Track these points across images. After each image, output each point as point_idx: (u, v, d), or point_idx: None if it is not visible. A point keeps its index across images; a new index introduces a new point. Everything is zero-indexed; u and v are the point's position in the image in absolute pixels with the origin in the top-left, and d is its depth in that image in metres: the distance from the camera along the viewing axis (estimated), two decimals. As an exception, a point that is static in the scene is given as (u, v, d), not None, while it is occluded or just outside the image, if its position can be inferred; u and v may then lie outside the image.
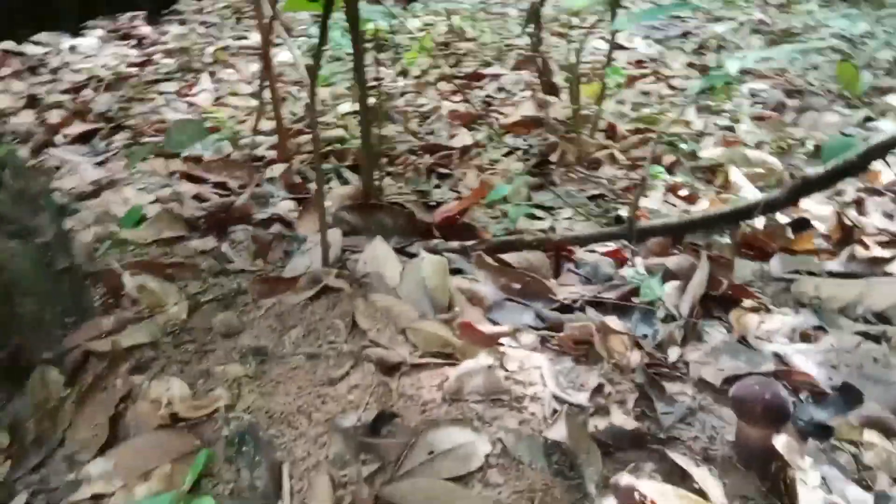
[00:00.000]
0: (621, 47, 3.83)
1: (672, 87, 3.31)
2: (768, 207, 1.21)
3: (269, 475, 0.93)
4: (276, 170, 2.15)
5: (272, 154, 2.30)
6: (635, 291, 1.35)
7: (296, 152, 2.31)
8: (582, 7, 3.73)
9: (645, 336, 1.24)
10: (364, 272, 1.41)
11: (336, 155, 2.29)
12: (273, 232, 1.66)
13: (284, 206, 1.83)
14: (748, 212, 1.24)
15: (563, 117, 2.67)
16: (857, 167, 1.11)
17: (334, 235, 1.54)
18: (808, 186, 1.17)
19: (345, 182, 2.09)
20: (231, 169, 2.15)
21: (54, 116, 2.67)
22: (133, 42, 3.83)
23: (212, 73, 3.42)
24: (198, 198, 1.92)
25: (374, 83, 2.25)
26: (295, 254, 1.55)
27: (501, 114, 2.86)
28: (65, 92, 3.00)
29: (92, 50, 3.64)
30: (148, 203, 1.81)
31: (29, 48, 3.57)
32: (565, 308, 1.33)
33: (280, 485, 0.92)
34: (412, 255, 1.51)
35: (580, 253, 1.58)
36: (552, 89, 2.75)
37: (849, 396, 1.06)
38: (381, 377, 1.10)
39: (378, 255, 1.48)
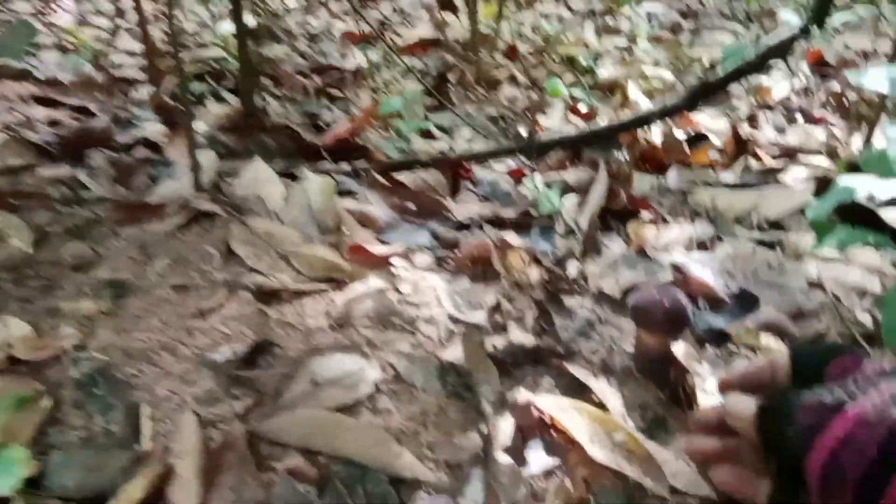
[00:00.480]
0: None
1: (571, 10, 3.24)
2: (668, 112, 1.16)
3: (125, 419, 0.81)
4: (144, 91, 1.94)
5: (140, 75, 2.07)
6: (534, 209, 1.29)
7: (167, 72, 2.09)
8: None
9: (544, 252, 1.19)
10: (242, 196, 1.28)
11: (214, 75, 2.08)
12: (138, 157, 1.48)
13: (152, 129, 1.64)
14: (647, 118, 1.19)
15: (462, 38, 2.55)
16: (755, 67, 1.07)
17: (208, 157, 1.38)
18: (707, 89, 1.13)
19: (220, 102, 1.90)
20: (92, 91, 1.91)
21: None
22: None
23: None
24: (53, 123, 1.68)
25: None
26: (163, 179, 1.38)
27: (398, 34, 2.70)
28: None
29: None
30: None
31: None
32: (462, 227, 1.26)
33: (139, 429, 0.81)
34: (294, 178, 1.38)
35: (479, 172, 1.50)
36: (449, 5, 2.61)
37: (745, 302, 1.06)
38: (258, 306, 0.99)
39: (258, 177, 1.34)
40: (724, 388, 0.60)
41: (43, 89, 1.90)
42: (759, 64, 1.06)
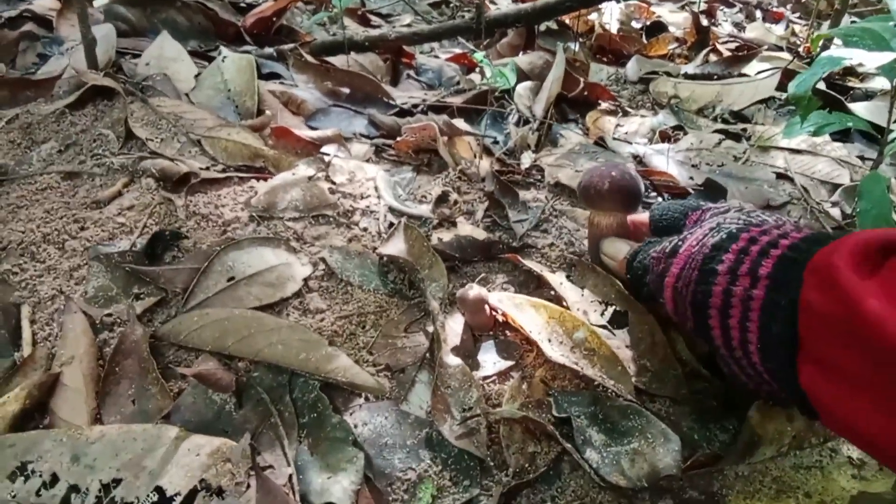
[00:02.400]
0: None
1: None
2: (634, -19, 1.04)
3: (2, 321, 0.67)
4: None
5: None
6: (483, 96, 1.16)
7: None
8: None
9: (495, 141, 1.07)
10: (145, 75, 1.10)
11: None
12: (24, 30, 1.26)
13: (40, 2, 1.40)
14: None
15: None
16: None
17: (104, 31, 1.18)
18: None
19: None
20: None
21: None
22: None
23: None
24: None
25: None
26: (53, 57, 1.18)
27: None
28: None
29: None
30: None
31: None
32: (405, 114, 1.12)
33: (19, 332, 0.67)
34: (209, 59, 1.20)
35: (421, 59, 1.35)
36: None
37: (712, 193, 0.97)
38: (164, 194, 0.85)
39: (164, 54, 1.16)
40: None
41: None
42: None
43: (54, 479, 0.55)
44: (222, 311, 0.69)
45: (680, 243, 0.60)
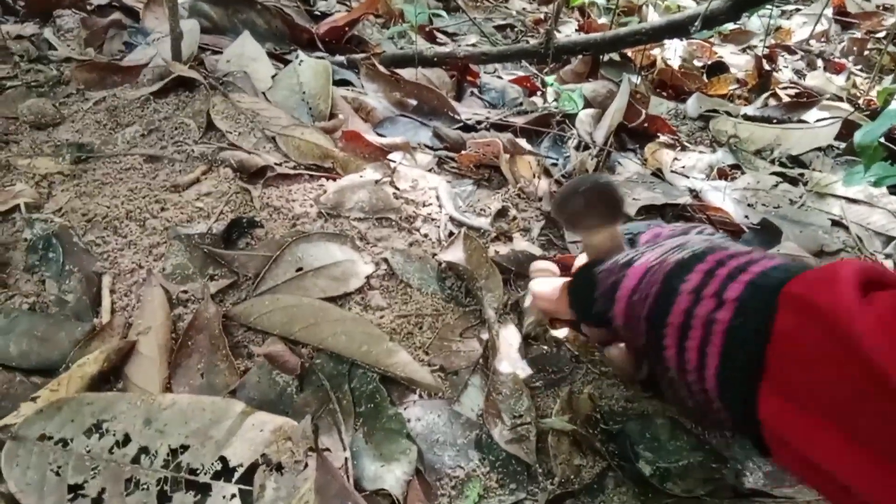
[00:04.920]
0: None
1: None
2: (708, 20, 1.06)
3: (83, 289, 0.71)
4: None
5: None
6: (545, 118, 1.19)
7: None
8: None
9: (555, 163, 1.10)
10: (226, 71, 1.15)
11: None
12: (113, 19, 1.33)
13: (128, -6, 1.47)
14: (686, 25, 1.09)
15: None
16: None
17: (190, 27, 1.24)
18: (755, -2, 1.03)
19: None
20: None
21: None
22: None
23: None
24: (15, -23, 1.51)
25: None
26: (139, 46, 1.24)
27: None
28: None
29: None
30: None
31: None
32: (468, 129, 1.15)
33: (98, 300, 0.71)
34: (285, 62, 1.25)
35: (485, 78, 1.39)
36: None
37: (767, 234, 0.98)
38: (240, 184, 0.89)
39: (245, 53, 1.21)
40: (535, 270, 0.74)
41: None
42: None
43: (126, 439, 0.59)
44: (291, 299, 0.72)
45: (636, 257, 0.56)
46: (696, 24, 1.03)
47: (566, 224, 0.73)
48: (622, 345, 0.65)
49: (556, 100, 1.13)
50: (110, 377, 0.65)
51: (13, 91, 1.01)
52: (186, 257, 0.76)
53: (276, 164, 0.94)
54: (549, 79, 0.92)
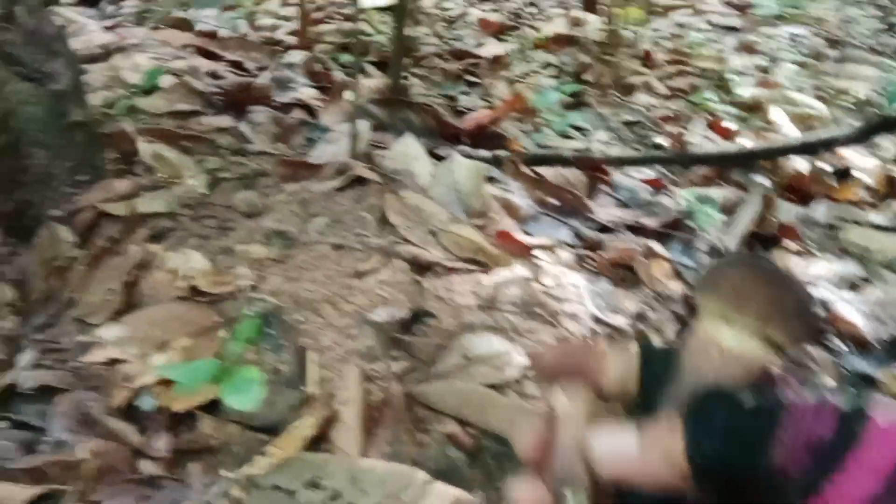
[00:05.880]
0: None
1: (710, 23, 3.16)
2: (839, 143, 1.13)
3: (294, 360, 0.87)
4: (296, 55, 2.02)
5: (290, 39, 2.17)
6: (677, 222, 1.28)
7: (316, 40, 2.18)
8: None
9: (687, 267, 1.19)
10: (392, 168, 1.33)
11: (358, 48, 2.15)
12: (296, 117, 1.56)
13: (306, 92, 1.72)
14: (816, 147, 1.16)
15: (596, 38, 2.54)
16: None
17: (362, 127, 1.44)
18: (888, 124, 1.09)
19: (367, 75, 1.96)
20: (248, 49, 2.01)
21: (57, -28, 2.47)
22: None
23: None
24: (213, 74, 1.79)
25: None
26: (319, 142, 1.45)
27: (532, 27, 2.71)
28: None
29: None
30: (161, 72, 1.68)
31: None
32: (604, 229, 1.27)
33: (305, 372, 0.87)
34: (439, 158, 1.43)
35: (617, 176, 1.51)
36: (591, 7, 2.60)
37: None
38: (412, 276, 1.04)
39: (408, 151, 1.39)
40: (542, 373, 0.45)
41: (203, 40, 2.02)
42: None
43: (336, 494, 0.72)
44: (462, 385, 0.85)
45: (780, 398, 0.35)
46: (834, 144, 1.11)
47: (803, 333, 0.57)
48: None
49: (688, 208, 1.23)
50: (319, 439, 0.79)
51: (226, 183, 1.23)
52: (374, 340, 0.91)
53: (440, 258, 1.09)
54: (687, 192, 1.02)
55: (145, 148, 1.23)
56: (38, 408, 0.78)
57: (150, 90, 1.58)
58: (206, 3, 1.29)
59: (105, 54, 1.83)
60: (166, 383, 0.80)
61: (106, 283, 0.94)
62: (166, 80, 1.66)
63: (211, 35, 2.06)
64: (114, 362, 0.83)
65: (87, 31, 2.00)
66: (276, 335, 0.90)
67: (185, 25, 2.14)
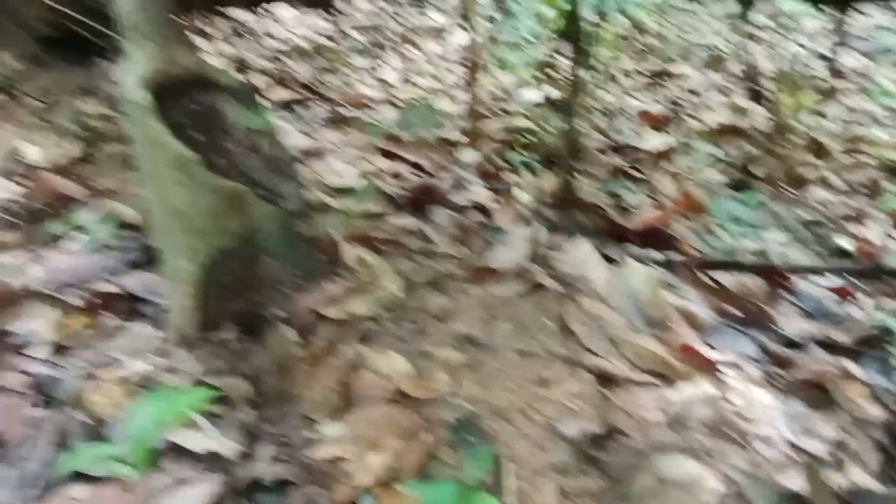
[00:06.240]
0: (822, 56, 3.53)
1: (885, 108, 3.00)
2: None
3: (492, 468, 0.93)
4: (467, 154, 2.18)
5: (460, 137, 2.33)
6: (871, 339, 1.23)
7: (483, 136, 2.33)
8: (791, 10, 3.48)
9: (884, 389, 1.13)
10: (568, 273, 1.39)
11: (523, 146, 2.27)
12: (473, 219, 1.67)
13: (480, 193, 1.84)
14: None
15: (762, 127, 2.50)
16: None
17: (539, 231, 1.52)
18: None
19: (535, 174, 2.07)
20: (424, 149, 2.20)
21: (260, 81, 2.84)
22: (328, 16, 4.01)
23: (398, 51, 3.53)
24: (396, 175, 1.98)
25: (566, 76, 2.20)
26: (497, 244, 1.55)
27: (692, 117, 2.72)
28: (269, 59, 3.20)
29: (291, 19, 3.85)
30: (356, 176, 1.88)
31: (236, 13, 3.84)
32: (791, 343, 1.24)
33: (501, 480, 0.92)
34: (609, 259, 1.47)
35: (800, 283, 1.47)
36: (757, 97, 2.57)
37: None
38: (598, 387, 1.08)
39: (584, 257, 1.45)
40: None
41: (385, 143, 2.24)
42: None
43: None
44: (658, 508, 0.87)
45: None
46: None
47: None
48: None
49: (883, 323, 1.18)
50: (520, 552, 0.84)
51: (420, 285, 1.34)
52: (567, 454, 0.95)
53: (623, 369, 1.12)
54: (880, 305, 0.98)
55: (350, 252, 1.38)
56: (277, 500, 0.89)
57: (346, 191, 1.78)
58: (410, 125, 1.46)
59: (305, 157, 2.08)
60: (384, 484, 0.89)
61: (325, 382, 1.07)
62: (359, 182, 1.86)
63: (393, 137, 2.27)
64: (337, 460, 0.93)
65: (287, 136, 2.28)
66: (475, 443, 0.97)
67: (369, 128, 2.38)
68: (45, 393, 1.07)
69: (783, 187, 2.06)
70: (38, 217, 1.59)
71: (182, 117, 1.16)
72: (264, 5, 3.31)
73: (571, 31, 1.72)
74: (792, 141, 2.37)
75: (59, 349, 1.16)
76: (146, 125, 1.06)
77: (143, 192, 1.15)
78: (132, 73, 1.08)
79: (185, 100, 1.17)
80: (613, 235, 1.68)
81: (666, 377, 1.13)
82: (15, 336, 1.18)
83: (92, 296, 1.27)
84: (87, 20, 2.11)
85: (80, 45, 2.38)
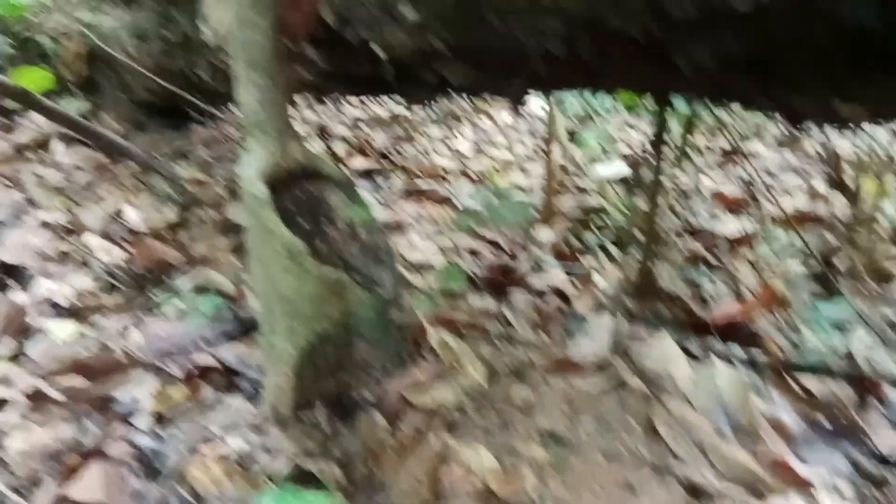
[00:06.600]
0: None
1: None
2: None
3: (581, 581, 0.93)
4: (543, 233, 2.21)
5: (534, 213, 2.37)
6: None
7: (559, 214, 2.36)
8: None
9: None
10: (651, 369, 1.39)
11: (598, 226, 2.29)
12: (551, 304, 1.69)
13: (557, 276, 1.86)
14: None
15: (842, 215, 2.46)
16: None
17: (619, 323, 1.53)
18: None
19: (610, 258, 2.08)
20: (501, 227, 2.24)
21: (340, 149, 2.98)
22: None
23: (471, 121, 3.64)
24: (473, 252, 2.02)
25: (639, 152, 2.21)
26: (576, 333, 1.56)
27: (770, 200, 2.70)
28: (349, 126, 3.34)
29: (369, 87, 4.03)
30: (435, 251, 1.94)
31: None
32: (885, 461, 1.20)
33: None
34: (691, 355, 1.46)
35: (890, 392, 1.42)
36: (841, 186, 2.54)
37: None
38: (687, 497, 1.07)
39: (666, 353, 1.44)
40: None
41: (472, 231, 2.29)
42: None
43: None
44: None
45: None
46: None
47: None
48: None
49: None
50: None
51: (501, 374, 1.36)
52: (657, 570, 0.94)
53: (712, 480, 1.10)
54: None
55: (433, 335, 1.41)
56: None
57: (426, 267, 1.83)
58: (501, 218, 1.52)
59: (387, 231, 2.15)
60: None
61: (414, 473, 1.09)
62: (437, 259, 1.91)
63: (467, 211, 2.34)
64: (428, 559, 0.95)
65: (372, 208, 2.37)
66: (564, 550, 0.97)
67: (443, 201, 2.45)
68: (148, 465, 1.12)
69: (867, 282, 2.01)
70: (139, 282, 1.69)
71: (290, 205, 1.24)
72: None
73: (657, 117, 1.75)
74: (875, 231, 2.32)
75: (160, 419, 1.22)
76: (262, 215, 1.13)
77: (252, 274, 1.22)
78: (252, 167, 1.16)
79: (294, 189, 1.25)
80: (693, 328, 1.67)
81: (757, 491, 1.10)
82: (119, 404, 1.25)
83: (191, 366, 1.34)
84: (186, 93, 2.27)
85: (177, 111, 2.56)
